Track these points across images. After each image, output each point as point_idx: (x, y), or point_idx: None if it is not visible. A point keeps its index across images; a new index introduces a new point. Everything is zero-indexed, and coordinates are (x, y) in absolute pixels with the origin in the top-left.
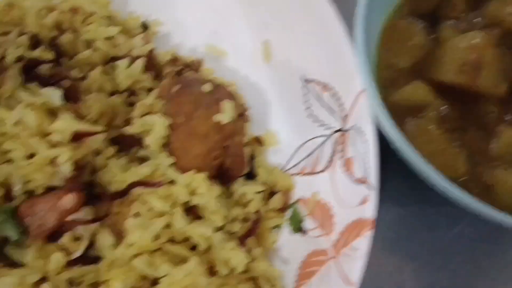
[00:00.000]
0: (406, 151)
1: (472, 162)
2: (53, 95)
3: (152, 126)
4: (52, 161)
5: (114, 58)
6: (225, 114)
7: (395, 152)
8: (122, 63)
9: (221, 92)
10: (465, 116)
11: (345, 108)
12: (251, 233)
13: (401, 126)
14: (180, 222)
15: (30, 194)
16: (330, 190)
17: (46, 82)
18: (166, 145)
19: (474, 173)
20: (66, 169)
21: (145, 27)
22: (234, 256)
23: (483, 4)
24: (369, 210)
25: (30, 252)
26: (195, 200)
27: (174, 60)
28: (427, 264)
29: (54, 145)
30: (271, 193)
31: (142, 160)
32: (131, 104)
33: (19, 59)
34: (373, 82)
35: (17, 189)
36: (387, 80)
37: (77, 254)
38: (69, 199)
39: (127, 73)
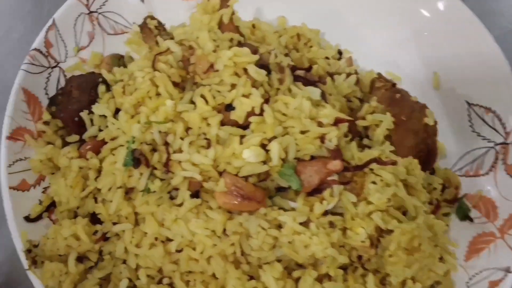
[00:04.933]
0: None
1: None
2: (315, 92)
3: (380, 121)
4: (320, 137)
5: (329, 73)
6: (430, 118)
7: None
8: (339, 77)
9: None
10: None
11: (507, 126)
12: (435, 212)
13: None
14: (402, 192)
15: (298, 160)
16: (493, 189)
17: (306, 82)
18: (387, 137)
19: None
20: (333, 143)
21: (340, 53)
22: (437, 223)
23: None
24: None
25: (300, 200)
26: (410, 179)
27: (379, 76)
28: None
29: (320, 125)
30: (443, 188)
31: (364, 146)
32: None
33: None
34: None
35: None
36: None
37: (331, 205)
38: (336, 164)
39: (346, 84)
